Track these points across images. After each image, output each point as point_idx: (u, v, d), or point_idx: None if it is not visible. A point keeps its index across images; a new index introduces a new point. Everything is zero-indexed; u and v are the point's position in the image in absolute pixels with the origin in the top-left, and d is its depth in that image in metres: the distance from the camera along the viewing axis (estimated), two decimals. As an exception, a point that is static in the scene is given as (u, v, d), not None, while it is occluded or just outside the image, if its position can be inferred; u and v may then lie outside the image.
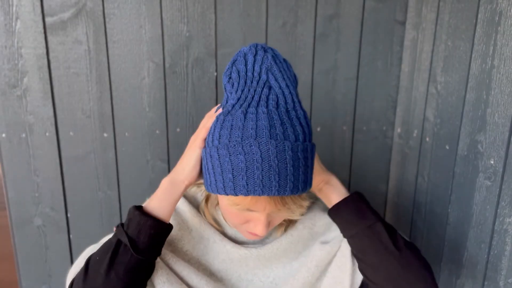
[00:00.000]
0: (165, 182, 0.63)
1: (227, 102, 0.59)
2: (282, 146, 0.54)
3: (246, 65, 0.60)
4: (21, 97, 0.91)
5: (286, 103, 0.58)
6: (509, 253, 0.68)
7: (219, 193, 0.58)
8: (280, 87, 0.58)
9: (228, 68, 0.61)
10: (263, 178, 0.54)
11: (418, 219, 0.97)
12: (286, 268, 0.72)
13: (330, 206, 0.68)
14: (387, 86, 1.02)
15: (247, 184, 0.54)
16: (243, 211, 0.60)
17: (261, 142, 0.54)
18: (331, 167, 1.06)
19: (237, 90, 0.59)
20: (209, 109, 0.98)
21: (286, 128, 0.56)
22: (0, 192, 0.98)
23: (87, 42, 0.91)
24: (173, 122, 0.98)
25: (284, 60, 0.63)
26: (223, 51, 0.95)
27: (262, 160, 0.54)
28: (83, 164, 0.97)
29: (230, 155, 0.55)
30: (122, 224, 0.62)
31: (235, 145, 0.55)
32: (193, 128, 0.99)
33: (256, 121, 0.55)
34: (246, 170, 0.54)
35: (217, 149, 0.57)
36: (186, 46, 0.94)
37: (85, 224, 1.01)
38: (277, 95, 0.58)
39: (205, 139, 0.61)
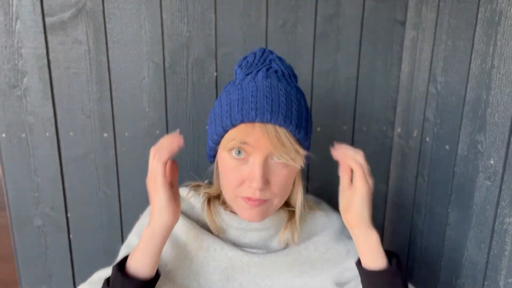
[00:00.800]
0: (146, 233, 0.62)
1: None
2: (276, 84, 0.62)
3: (255, 56, 0.69)
4: (21, 97, 0.91)
5: (283, 74, 0.66)
6: (509, 253, 0.68)
7: (217, 134, 0.62)
8: (281, 68, 0.67)
9: (240, 60, 0.71)
10: (257, 103, 0.59)
11: (418, 219, 0.97)
12: (288, 283, 0.71)
13: (362, 263, 0.64)
14: (387, 86, 1.03)
15: (242, 110, 0.59)
16: (239, 163, 0.61)
17: (257, 80, 0.62)
18: (332, 168, 1.06)
19: (244, 70, 0.67)
20: (209, 109, 0.98)
21: (282, 81, 0.63)
22: (0, 192, 0.98)
23: (87, 42, 0.91)
24: (173, 122, 0.98)
25: (289, 64, 0.71)
26: (223, 51, 0.95)
27: (257, 91, 0.60)
28: (83, 164, 0.98)
29: (230, 94, 0.62)
30: (108, 281, 0.62)
31: (234, 87, 0.63)
32: (193, 128, 0.99)
33: (256, 75, 0.64)
34: (242, 100, 0.60)
35: (220, 99, 0.64)
36: (186, 46, 0.94)
37: (85, 224, 1.01)
38: (276, 70, 0.66)
39: (165, 175, 0.61)
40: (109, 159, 0.98)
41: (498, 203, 0.70)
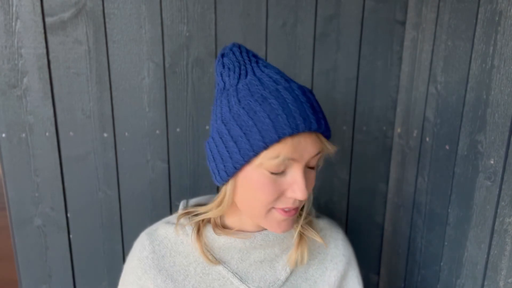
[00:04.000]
0: None
1: (224, 84, 0.61)
2: (301, 87, 0.57)
3: (234, 54, 0.63)
4: (21, 97, 0.91)
5: (271, 66, 0.62)
6: (509, 253, 0.68)
7: (254, 152, 0.54)
8: (261, 59, 0.64)
9: (219, 59, 0.64)
10: (301, 113, 0.53)
11: (418, 219, 0.97)
12: None
13: None
14: (387, 86, 1.03)
15: (289, 122, 0.52)
16: (277, 176, 0.56)
17: (284, 85, 0.56)
18: (331, 167, 1.06)
19: (234, 70, 0.61)
20: (209, 109, 0.97)
21: (292, 82, 0.59)
22: (0, 192, 0.98)
23: (87, 42, 0.91)
24: (173, 122, 0.98)
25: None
26: (223, 51, 0.95)
27: (293, 98, 0.54)
28: (83, 164, 0.98)
29: (260, 104, 0.53)
30: None
31: (261, 94, 0.54)
32: (193, 128, 0.99)
33: (264, 73, 0.59)
34: (283, 110, 0.53)
35: (239, 109, 0.55)
36: (186, 46, 0.94)
37: (85, 224, 1.01)
38: (263, 62, 0.63)
39: None
40: (109, 159, 0.98)
41: (498, 203, 0.70)
